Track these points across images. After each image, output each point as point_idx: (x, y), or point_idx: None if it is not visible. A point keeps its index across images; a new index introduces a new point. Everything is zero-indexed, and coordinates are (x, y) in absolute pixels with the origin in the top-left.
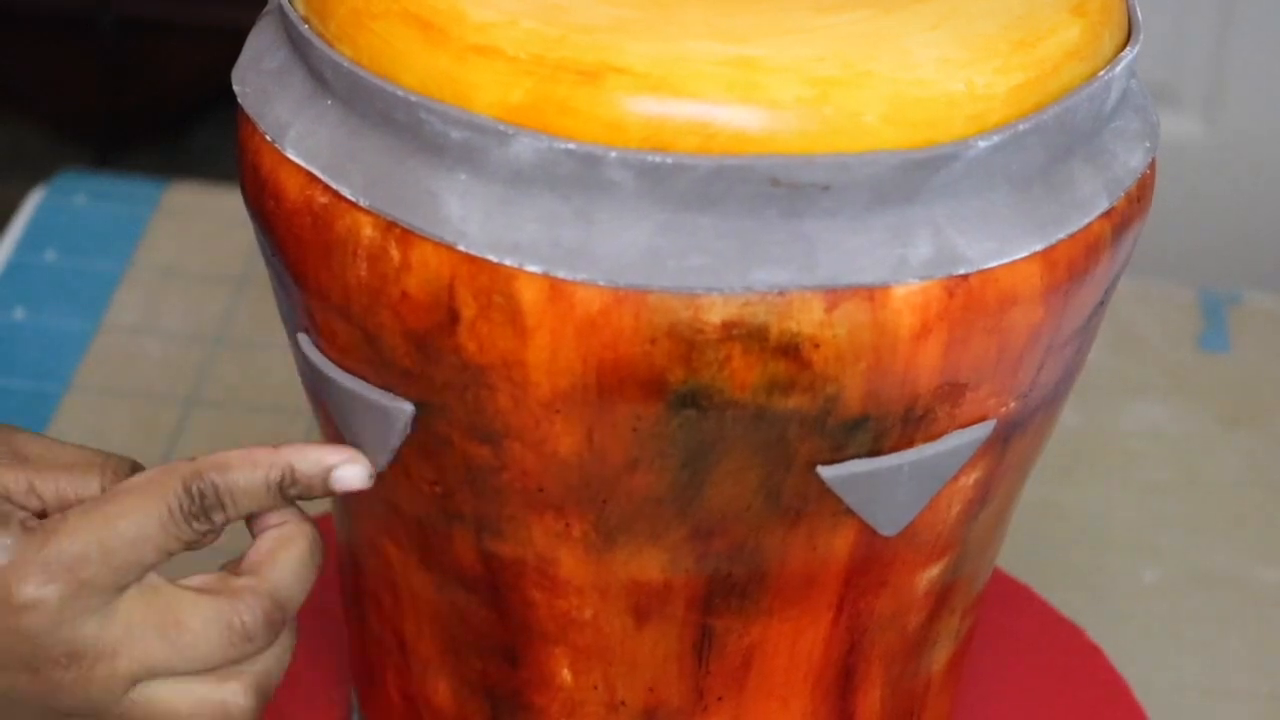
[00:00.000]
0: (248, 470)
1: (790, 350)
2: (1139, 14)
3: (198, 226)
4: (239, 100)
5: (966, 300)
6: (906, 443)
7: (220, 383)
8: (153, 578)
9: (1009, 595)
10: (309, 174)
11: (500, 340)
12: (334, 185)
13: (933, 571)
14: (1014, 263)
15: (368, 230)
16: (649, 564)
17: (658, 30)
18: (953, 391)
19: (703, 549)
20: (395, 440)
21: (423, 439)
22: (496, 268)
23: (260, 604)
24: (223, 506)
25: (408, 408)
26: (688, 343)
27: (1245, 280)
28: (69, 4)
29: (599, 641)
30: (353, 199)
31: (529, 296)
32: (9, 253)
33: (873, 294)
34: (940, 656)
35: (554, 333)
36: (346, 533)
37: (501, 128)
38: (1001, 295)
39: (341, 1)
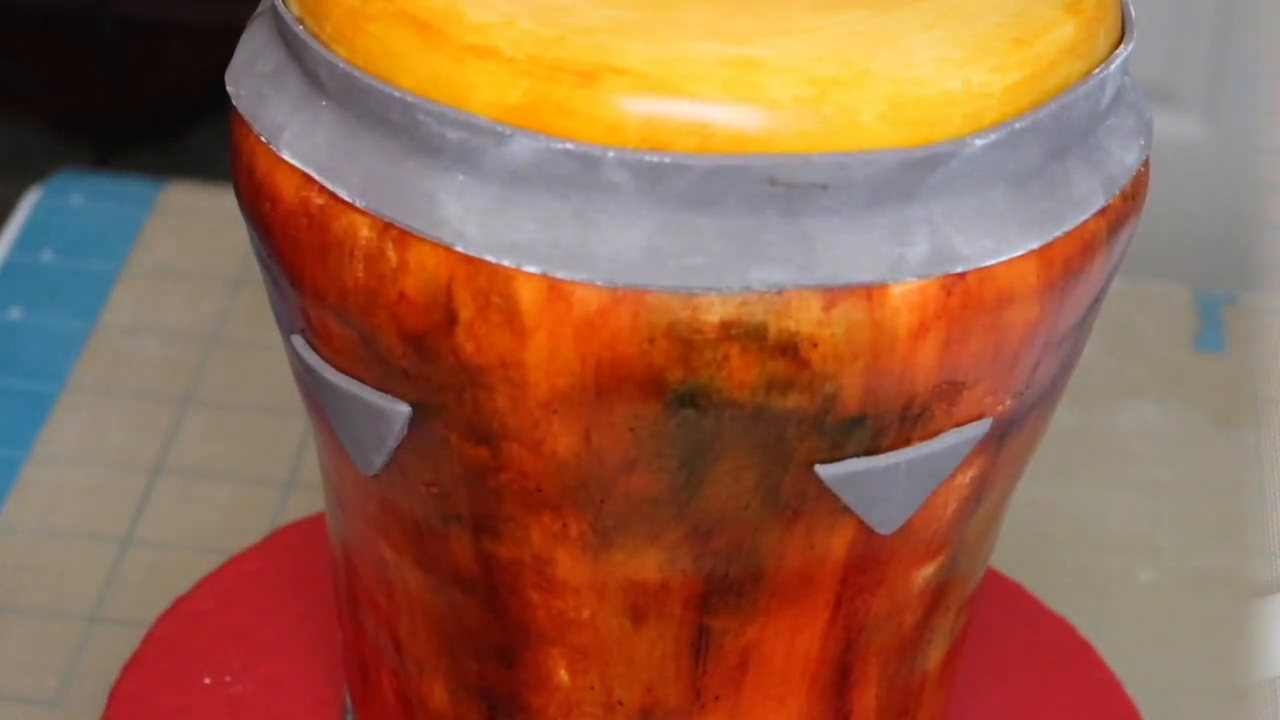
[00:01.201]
0: None
1: (788, 349)
2: (1132, 11)
3: (194, 226)
4: (233, 103)
5: (964, 299)
6: (904, 441)
7: (217, 382)
8: None
9: (998, 592)
10: (305, 175)
11: (498, 341)
12: (330, 187)
13: (928, 570)
14: (1011, 261)
15: (364, 231)
16: (646, 564)
17: (656, 31)
18: (950, 390)
19: (700, 549)
20: (392, 442)
21: (420, 440)
22: (494, 268)
23: None
24: None
25: (404, 409)
26: (686, 342)
27: (1242, 281)
28: (69, 4)
29: (596, 642)
30: (349, 200)
31: (527, 297)
32: (5, 252)
33: (870, 293)
34: (935, 654)
35: (552, 333)
36: (340, 533)
37: (499, 128)
38: (999, 293)
39: (337, 2)
